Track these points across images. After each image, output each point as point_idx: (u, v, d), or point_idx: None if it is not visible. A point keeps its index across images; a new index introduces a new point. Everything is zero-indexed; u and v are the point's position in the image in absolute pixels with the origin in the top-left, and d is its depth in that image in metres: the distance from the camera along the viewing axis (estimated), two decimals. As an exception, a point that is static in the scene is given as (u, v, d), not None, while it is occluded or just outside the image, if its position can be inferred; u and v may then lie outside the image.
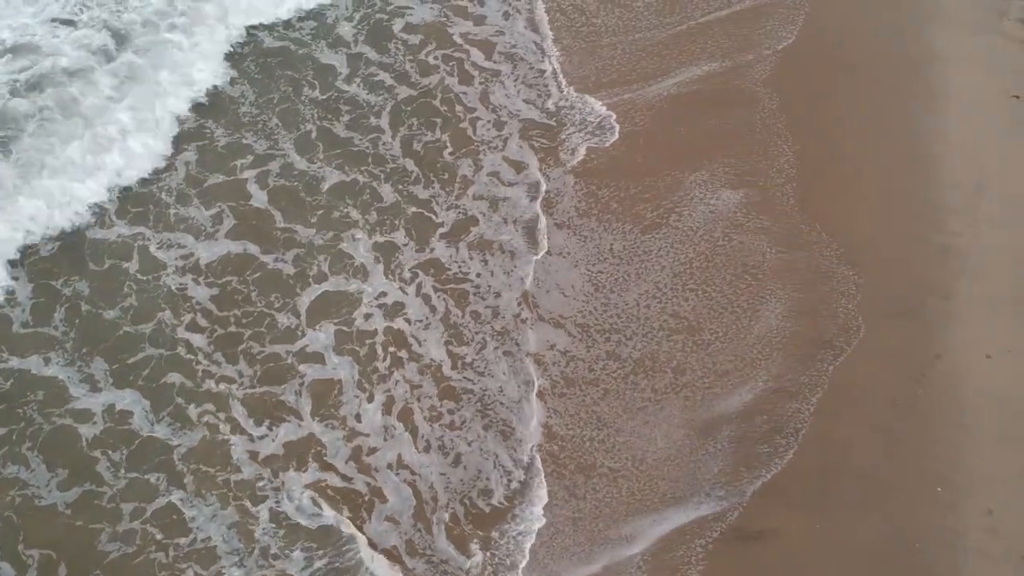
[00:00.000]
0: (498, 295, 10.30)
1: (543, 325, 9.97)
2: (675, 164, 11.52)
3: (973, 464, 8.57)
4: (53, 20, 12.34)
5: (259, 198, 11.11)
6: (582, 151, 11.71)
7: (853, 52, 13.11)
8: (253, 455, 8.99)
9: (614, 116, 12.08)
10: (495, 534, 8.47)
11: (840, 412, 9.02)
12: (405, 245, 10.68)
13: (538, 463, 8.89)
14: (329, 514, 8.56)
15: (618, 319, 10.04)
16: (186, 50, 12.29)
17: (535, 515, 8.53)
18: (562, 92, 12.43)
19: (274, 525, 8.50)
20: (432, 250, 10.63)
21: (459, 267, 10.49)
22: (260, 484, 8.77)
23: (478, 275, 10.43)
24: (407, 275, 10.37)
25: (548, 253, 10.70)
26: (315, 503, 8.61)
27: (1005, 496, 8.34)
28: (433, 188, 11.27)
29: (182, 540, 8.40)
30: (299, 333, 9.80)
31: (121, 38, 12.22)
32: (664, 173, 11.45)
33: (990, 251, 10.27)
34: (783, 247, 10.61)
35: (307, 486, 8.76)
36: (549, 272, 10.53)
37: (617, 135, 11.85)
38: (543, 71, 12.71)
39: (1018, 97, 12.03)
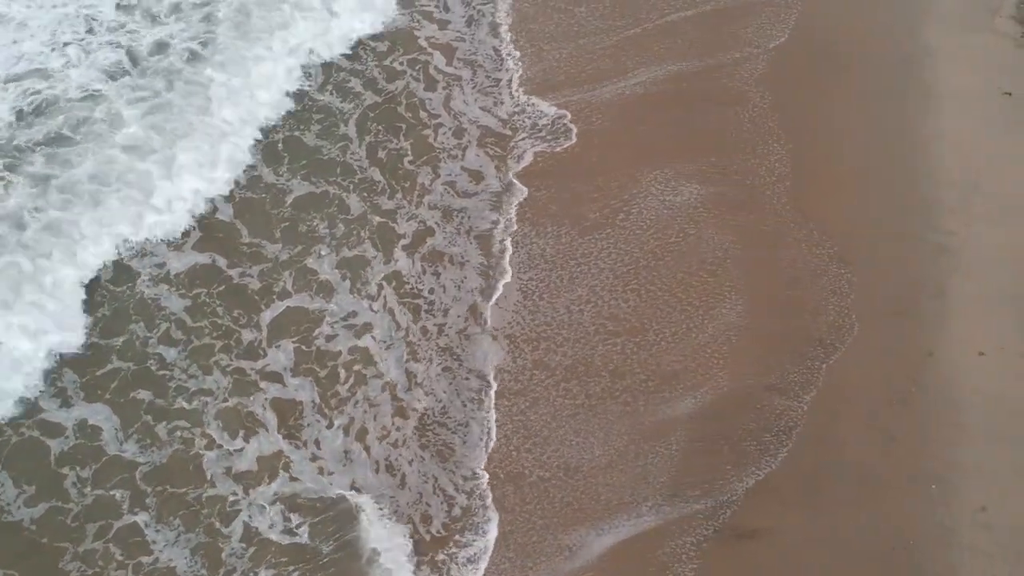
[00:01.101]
0: (452, 311, 10.82)
1: (487, 339, 10.48)
2: (635, 164, 12.21)
3: (967, 461, 9.15)
4: (66, 44, 13.01)
5: (225, 211, 11.63)
6: (529, 156, 12.39)
7: (846, 50, 13.97)
8: (227, 470, 9.41)
9: (568, 116, 12.83)
10: (442, 557, 8.90)
11: (834, 410, 9.63)
12: (374, 258, 11.24)
13: (486, 484, 9.35)
14: (303, 530, 8.87)
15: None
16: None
17: (488, 539, 8.97)
18: (514, 97, 13.16)
19: (243, 544, 8.89)
20: (396, 261, 11.20)
21: (416, 281, 11.04)
22: (231, 499, 9.19)
23: (431, 291, 10.97)
24: (372, 290, 10.89)
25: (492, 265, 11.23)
26: (285, 516, 9.02)
27: (999, 493, 8.92)
28: (397, 198, 11.89)
29: (144, 559, 8.79)
30: (261, 352, 10.30)
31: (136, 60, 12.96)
32: (622, 173, 12.13)
33: (983, 249, 10.96)
34: (773, 245, 11.24)
35: (277, 498, 9.19)
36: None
37: (574, 137, 12.56)
38: (499, 79, 13.48)
39: (1010, 94, 12.73)
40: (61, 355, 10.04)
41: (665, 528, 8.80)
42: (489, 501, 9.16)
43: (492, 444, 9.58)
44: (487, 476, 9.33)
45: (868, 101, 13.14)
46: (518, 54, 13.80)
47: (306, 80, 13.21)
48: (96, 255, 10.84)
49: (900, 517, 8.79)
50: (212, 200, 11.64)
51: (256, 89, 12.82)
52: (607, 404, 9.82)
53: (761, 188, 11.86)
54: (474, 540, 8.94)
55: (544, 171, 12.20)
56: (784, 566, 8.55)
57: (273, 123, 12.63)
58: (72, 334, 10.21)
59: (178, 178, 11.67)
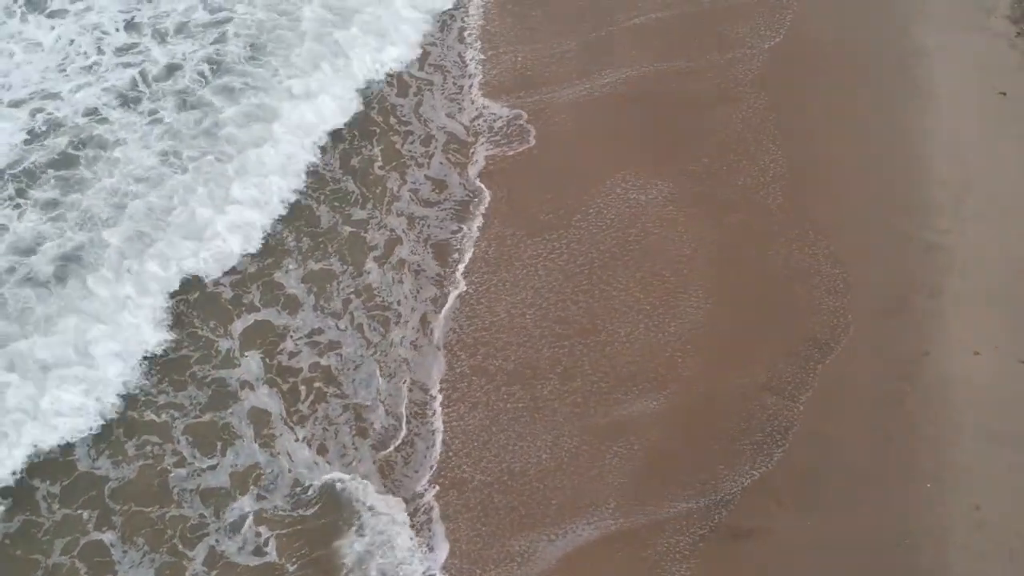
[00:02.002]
0: (404, 323, 10.98)
1: (434, 351, 10.67)
2: (601, 164, 12.49)
3: (962, 460, 9.55)
4: (77, 65, 13.29)
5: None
6: (482, 159, 12.71)
7: (841, 51, 14.47)
8: (196, 488, 9.61)
9: (525, 116, 13.19)
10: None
11: (830, 410, 10.02)
12: (343, 272, 11.47)
13: (432, 498, 9.48)
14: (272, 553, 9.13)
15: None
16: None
17: (438, 554, 9.13)
18: (474, 102, 13.49)
19: (206, 568, 9.06)
20: (369, 273, 11.42)
21: (385, 295, 11.23)
22: (191, 524, 9.35)
23: (399, 302, 11.18)
24: (338, 306, 11.11)
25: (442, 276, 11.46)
26: (257, 535, 9.23)
27: (993, 492, 9.33)
28: (368, 208, 12.18)
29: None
30: (236, 363, 10.58)
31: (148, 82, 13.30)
32: (585, 174, 12.41)
33: (977, 248, 11.42)
34: (766, 245, 11.63)
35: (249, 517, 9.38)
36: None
37: (532, 140, 12.88)
38: (462, 86, 13.83)
39: (1005, 94, 13.03)
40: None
41: (656, 527, 9.12)
42: (435, 514, 9.34)
43: (436, 456, 9.77)
44: (435, 489, 9.50)
45: (863, 101, 13.63)
46: (482, 57, 14.24)
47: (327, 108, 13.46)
48: (112, 284, 10.99)
49: (895, 516, 9.18)
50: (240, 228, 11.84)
51: (273, 114, 12.99)
52: (554, 405, 10.07)
53: (754, 188, 12.29)
54: (422, 555, 9.13)
55: (500, 173, 12.57)
56: (780, 565, 8.91)
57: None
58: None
59: (193, 204, 11.84)
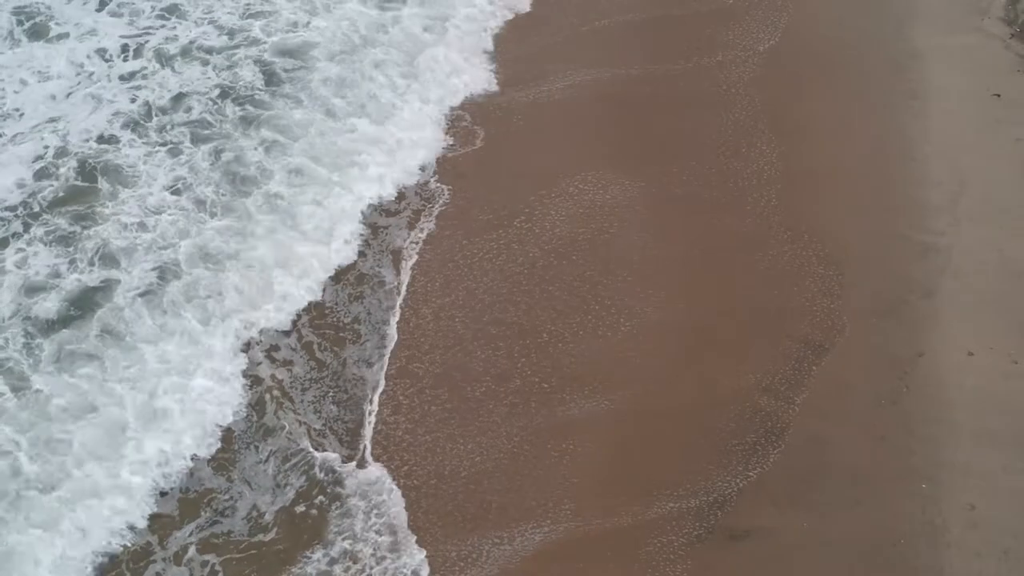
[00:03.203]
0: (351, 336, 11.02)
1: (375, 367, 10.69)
2: (560, 166, 12.82)
3: (957, 460, 9.87)
4: (84, 94, 13.39)
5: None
6: (431, 162, 12.94)
7: (836, 53, 14.85)
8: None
9: (469, 118, 13.56)
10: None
11: (825, 410, 10.30)
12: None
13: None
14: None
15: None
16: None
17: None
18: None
19: None
20: (325, 291, 11.51)
21: (339, 316, 11.27)
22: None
23: (357, 321, 11.20)
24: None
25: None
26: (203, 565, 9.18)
27: (987, 491, 9.64)
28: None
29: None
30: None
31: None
32: (542, 175, 12.67)
33: (971, 249, 11.77)
34: (759, 247, 11.93)
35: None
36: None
37: (479, 142, 13.20)
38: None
39: (999, 95, 13.23)
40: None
41: (647, 528, 9.30)
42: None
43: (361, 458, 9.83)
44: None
45: (859, 103, 14.03)
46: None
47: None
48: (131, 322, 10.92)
49: (891, 516, 9.47)
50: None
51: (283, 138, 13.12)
52: (489, 406, 10.15)
53: (747, 189, 12.71)
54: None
55: (445, 174, 12.80)
56: (778, 565, 9.20)
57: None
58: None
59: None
